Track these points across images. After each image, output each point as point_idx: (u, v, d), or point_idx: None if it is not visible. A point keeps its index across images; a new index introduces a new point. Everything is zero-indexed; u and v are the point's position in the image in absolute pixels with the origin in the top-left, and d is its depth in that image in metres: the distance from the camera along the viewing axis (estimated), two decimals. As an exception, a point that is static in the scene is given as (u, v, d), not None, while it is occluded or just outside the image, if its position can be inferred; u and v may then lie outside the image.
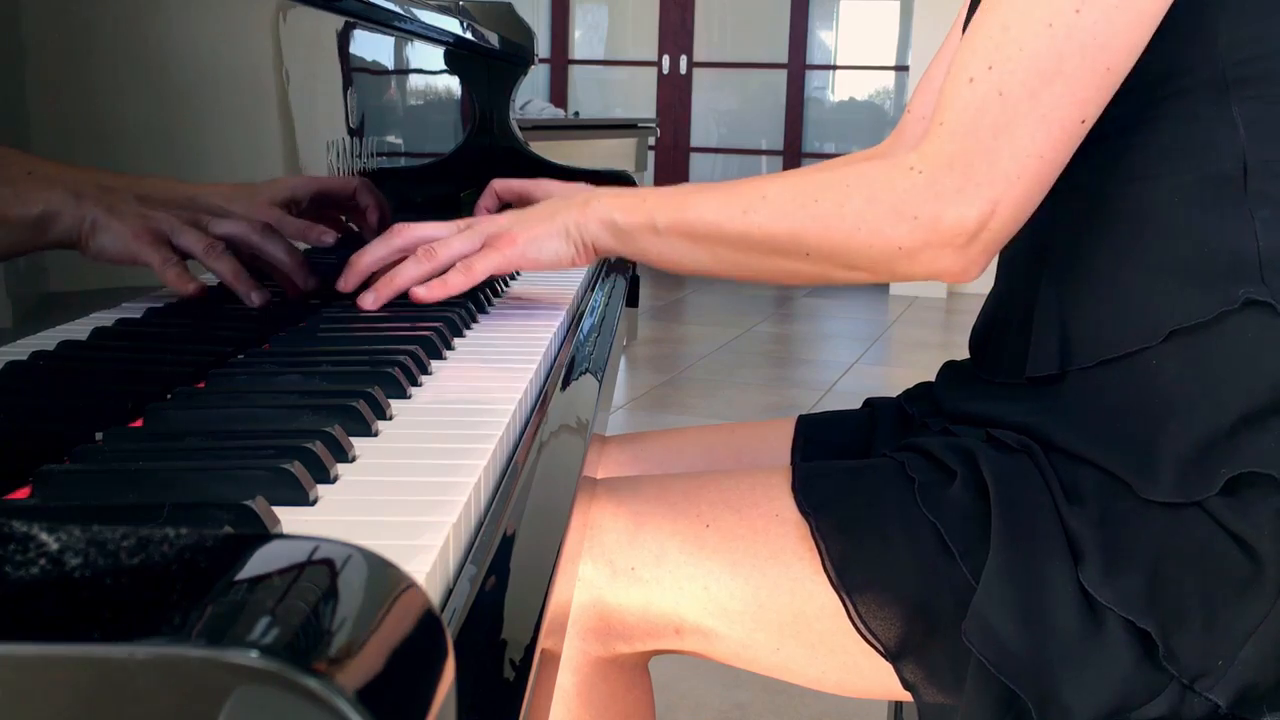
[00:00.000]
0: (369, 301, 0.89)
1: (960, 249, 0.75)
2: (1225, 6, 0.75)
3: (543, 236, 0.89)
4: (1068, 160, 0.74)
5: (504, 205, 1.20)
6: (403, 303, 0.89)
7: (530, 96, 5.25)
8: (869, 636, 0.77)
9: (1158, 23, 0.73)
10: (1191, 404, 0.75)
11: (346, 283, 0.91)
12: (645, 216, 0.86)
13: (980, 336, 0.93)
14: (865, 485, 0.81)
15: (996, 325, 0.89)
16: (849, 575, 0.77)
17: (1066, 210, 0.81)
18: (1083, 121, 0.73)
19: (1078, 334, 0.80)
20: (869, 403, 1.04)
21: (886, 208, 0.75)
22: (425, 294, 0.88)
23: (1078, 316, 0.81)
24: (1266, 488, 0.73)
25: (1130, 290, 0.78)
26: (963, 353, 0.97)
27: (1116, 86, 0.74)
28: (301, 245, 0.89)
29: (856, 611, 0.77)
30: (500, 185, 1.20)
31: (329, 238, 0.91)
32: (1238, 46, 0.75)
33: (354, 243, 1.00)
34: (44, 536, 0.30)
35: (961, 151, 0.73)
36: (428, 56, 1.32)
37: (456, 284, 0.89)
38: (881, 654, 0.77)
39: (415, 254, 0.90)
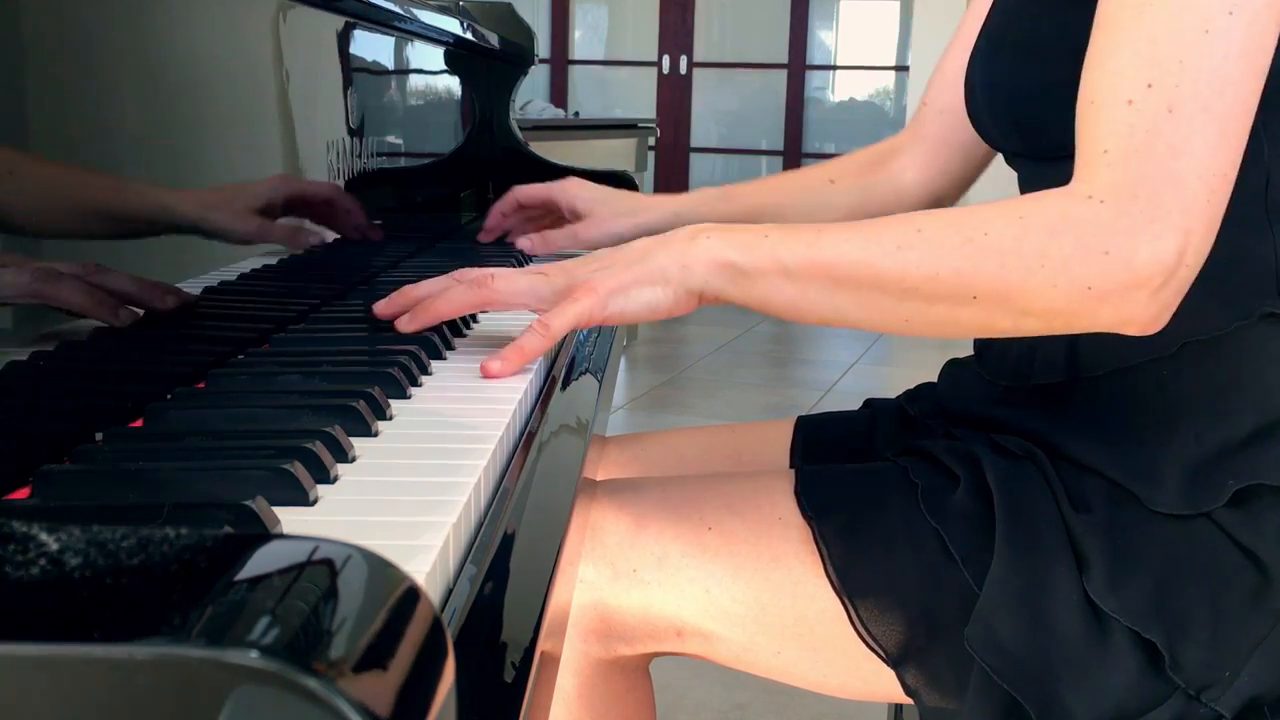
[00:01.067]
0: (408, 325, 0.80)
1: (1155, 292, 0.66)
2: None
3: (631, 285, 0.75)
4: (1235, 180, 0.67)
5: (529, 215, 1.18)
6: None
7: (530, 96, 5.25)
8: (870, 641, 0.77)
9: None
10: (1202, 415, 0.75)
11: (411, 324, 0.80)
12: (770, 256, 0.72)
13: (985, 337, 0.91)
14: (868, 490, 0.81)
15: None
16: (851, 580, 0.77)
17: None
18: (1247, 132, 0.67)
19: (1087, 343, 0.79)
20: (869, 403, 1.04)
21: (1073, 241, 0.65)
22: (500, 368, 0.74)
23: None
24: (1274, 500, 0.73)
25: None
26: (963, 353, 0.97)
27: (1261, 92, 0.67)
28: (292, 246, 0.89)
29: (858, 616, 0.77)
30: (523, 193, 1.16)
31: (316, 240, 0.88)
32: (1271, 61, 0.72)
33: (336, 249, 1.00)
34: (44, 536, 0.30)
35: (1143, 178, 0.65)
36: (428, 56, 1.32)
37: (534, 348, 0.75)
38: (883, 659, 0.77)
39: (471, 281, 0.79)
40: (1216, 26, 0.65)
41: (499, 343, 0.85)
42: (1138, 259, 0.65)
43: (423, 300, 0.80)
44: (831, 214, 1.12)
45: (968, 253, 0.68)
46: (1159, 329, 0.68)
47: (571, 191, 1.14)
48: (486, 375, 0.74)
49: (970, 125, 0.95)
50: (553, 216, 1.19)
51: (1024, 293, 0.67)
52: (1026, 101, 0.82)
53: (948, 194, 1.12)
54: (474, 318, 0.92)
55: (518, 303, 0.79)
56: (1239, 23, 0.65)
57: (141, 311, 0.65)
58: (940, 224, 0.70)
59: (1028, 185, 0.88)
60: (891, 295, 0.70)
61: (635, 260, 0.76)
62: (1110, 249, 0.65)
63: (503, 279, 0.79)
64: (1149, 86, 0.65)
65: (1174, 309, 0.68)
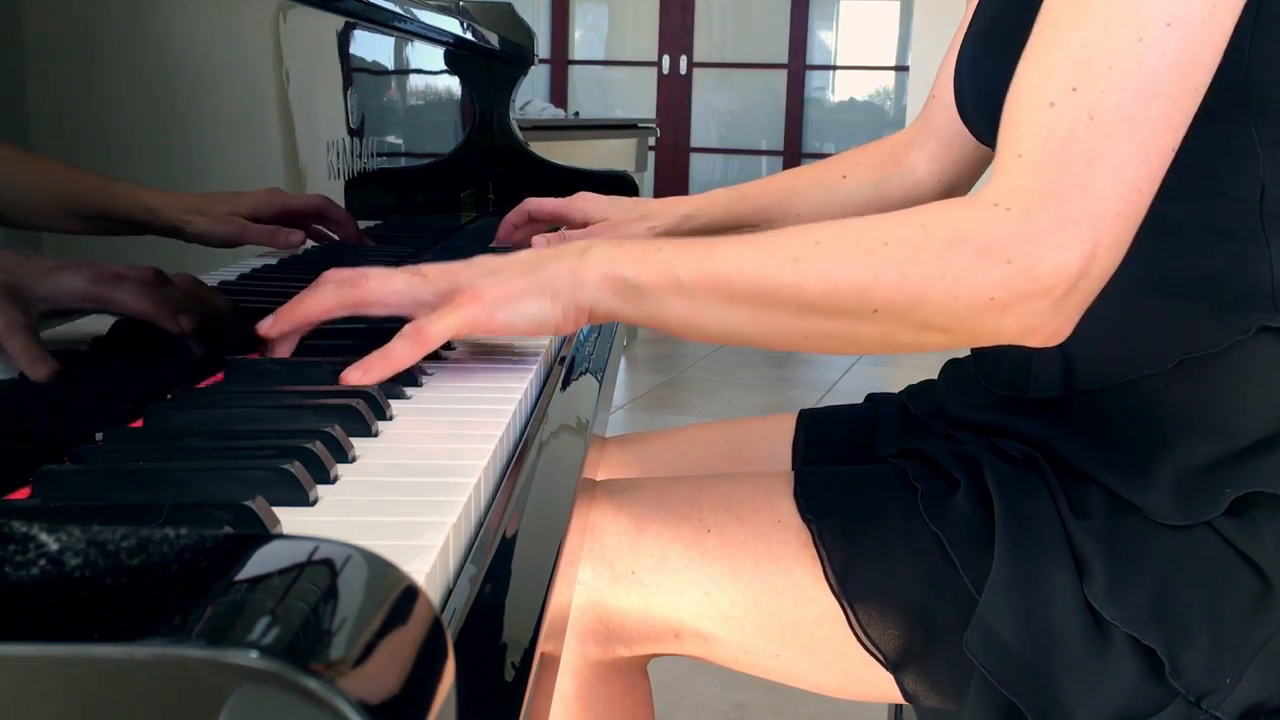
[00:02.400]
0: (267, 329, 0.73)
1: (1057, 302, 0.63)
2: (1257, 29, 0.72)
3: (519, 295, 0.70)
4: (1153, 197, 0.65)
5: (538, 226, 1.17)
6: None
7: (530, 96, 5.24)
8: (869, 645, 0.77)
9: (1228, 38, 0.65)
10: (1198, 428, 0.75)
11: (275, 327, 0.72)
12: (664, 270, 0.68)
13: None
14: (867, 493, 0.81)
15: None
16: (850, 583, 0.77)
17: None
18: (1173, 149, 0.64)
19: (1082, 357, 0.79)
20: (871, 399, 1.04)
21: (975, 250, 0.63)
22: (361, 377, 0.68)
23: (1083, 339, 0.79)
24: (1273, 508, 0.73)
25: (1140, 315, 0.76)
26: (960, 353, 0.97)
27: (1196, 109, 0.65)
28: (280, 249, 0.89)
29: (857, 619, 0.77)
30: (533, 205, 1.13)
31: (296, 237, 0.85)
32: (1265, 70, 0.72)
33: (336, 249, 1.00)
34: (44, 536, 0.30)
35: (1053, 185, 0.62)
36: (428, 56, 1.32)
37: (402, 356, 0.69)
38: (882, 663, 0.77)
39: (338, 282, 0.73)
40: (1151, 36, 0.62)
41: (500, 343, 0.85)
42: (1041, 268, 0.62)
43: (289, 303, 0.73)
44: (845, 209, 1.11)
45: (867, 264, 0.65)
46: (1062, 339, 0.66)
47: (582, 205, 1.13)
48: (344, 382, 0.67)
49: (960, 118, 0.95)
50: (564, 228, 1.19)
51: (925, 304, 0.64)
52: None
53: (961, 184, 1.12)
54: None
55: (392, 304, 0.72)
56: (1175, 35, 0.62)
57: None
58: (839, 234, 0.67)
59: None
60: (789, 310, 0.67)
61: (525, 270, 0.71)
62: (1013, 258, 0.63)
63: (377, 278, 0.72)
64: (1073, 90, 0.63)
65: (1076, 319, 0.66)
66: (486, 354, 0.82)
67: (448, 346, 0.81)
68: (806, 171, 1.17)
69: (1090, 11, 0.64)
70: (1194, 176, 0.74)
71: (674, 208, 1.12)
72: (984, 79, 0.84)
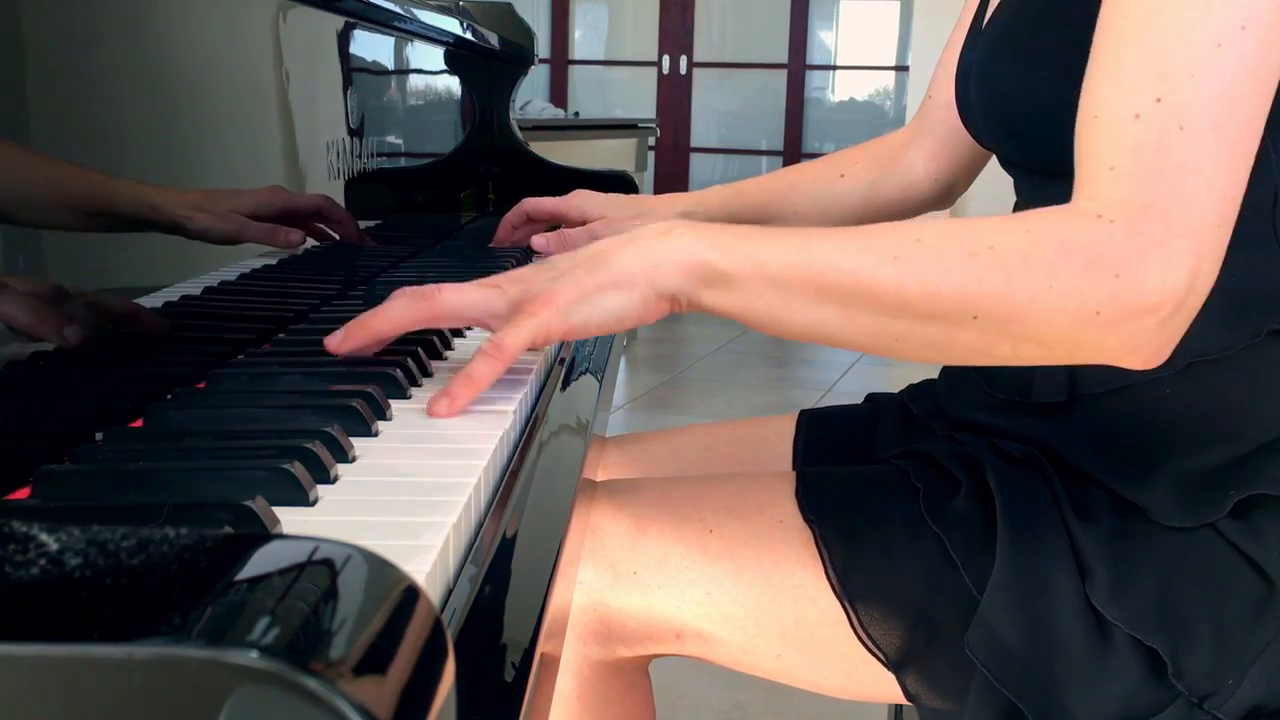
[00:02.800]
0: (337, 344, 0.71)
1: (1164, 321, 0.61)
2: None
3: (594, 292, 0.66)
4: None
5: (537, 229, 1.17)
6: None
7: (530, 96, 5.25)
8: (871, 645, 0.77)
9: None
10: (1203, 430, 0.75)
11: (345, 344, 0.71)
12: (752, 259, 0.65)
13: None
14: (869, 493, 0.81)
15: None
16: (851, 583, 0.77)
17: None
18: (1255, 152, 0.63)
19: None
20: (871, 398, 1.04)
21: (1083, 261, 0.61)
22: (449, 407, 0.65)
23: None
24: (1276, 510, 0.73)
25: None
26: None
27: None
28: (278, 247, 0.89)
29: (859, 620, 0.77)
30: (531, 205, 1.13)
31: (295, 236, 0.85)
32: None
33: (337, 249, 1.00)
34: (44, 536, 0.30)
35: (1153, 197, 0.61)
36: (428, 56, 1.32)
37: (484, 374, 0.66)
38: (883, 663, 0.77)
39: (414, 293, 0.71)
40: (1229, 41, 0.61)
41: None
42: (1149, 284, 0.60)
43: (361, 318, 0.71)
44: (843, 208, 1.12)
45: (971, 267, 0.62)
46: (1162, 361, 0.64)
47: (579, 203, 1.13)
48: (432, 414, 0.65)
49: (962, 122, 0.95)
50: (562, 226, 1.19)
51: (1029, 315, 0.62)
52: (1029, 117, 0.80)
53: (958, 185, 1.12)
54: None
55: (467, 317, 0.71)
56: (1251, 38, 0.62)
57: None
58: (942, 234, 0.64)
59: (1024, 195, 0.88)
60: (884, 310, 0.64)
61: (598, 264, 0.67)
62: (1121, 272, 0.60)
63: (450, 292, 0.70)
64: (1157, 101, 0.62)
65: (1178, 339, 0.64)
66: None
67: (448, 347, 0.81)
68: (804, 169, 1.17)
69: (1162, 21, 0.62)
70: None
71: (671, 204, 1.12)
72: (998, 87, 0.83)
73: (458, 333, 0.86)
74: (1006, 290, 0.62)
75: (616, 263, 0.67)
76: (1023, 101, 0.80)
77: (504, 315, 0.69)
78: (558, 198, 1.13)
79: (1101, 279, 0.60)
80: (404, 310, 0.70)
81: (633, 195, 1.17)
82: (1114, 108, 0.63)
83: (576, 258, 0.69)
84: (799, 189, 1.13)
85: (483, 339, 0.81)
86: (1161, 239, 0.60)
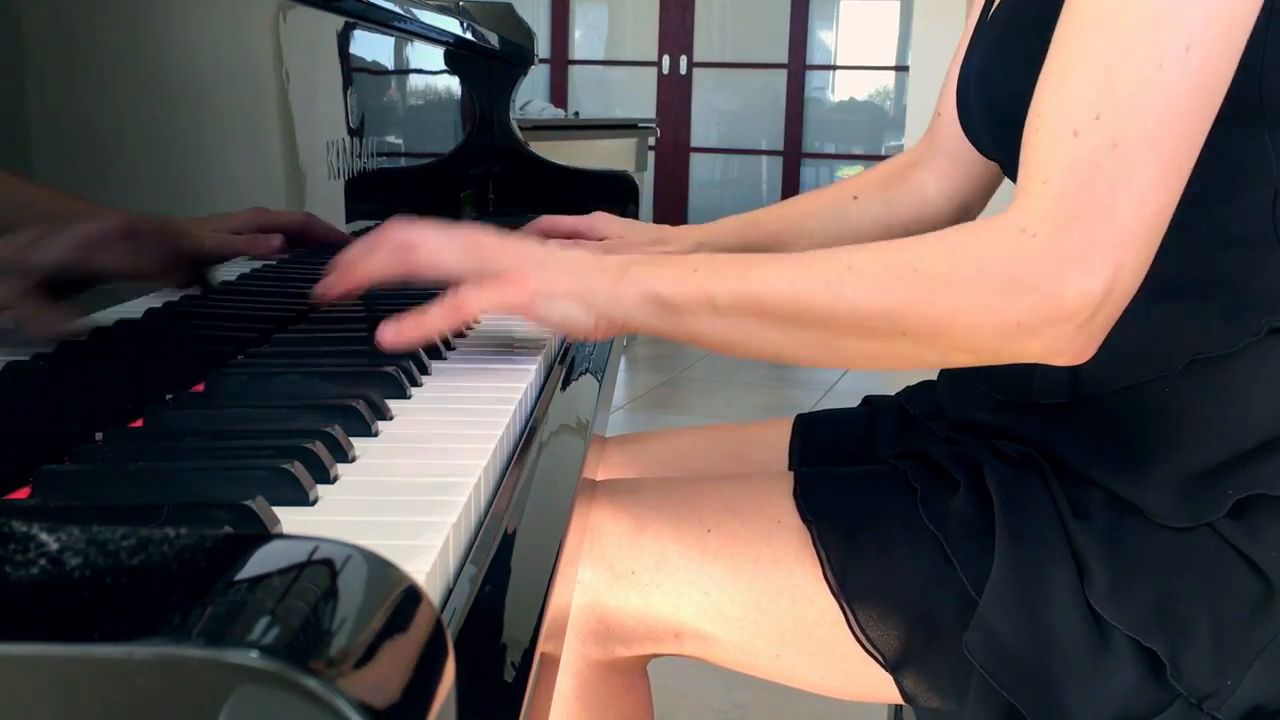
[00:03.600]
0: (325, 288, 0.78)
1: (1083, 325, 0.65)
2: (1269, 38, 0.71)
3: (559, 295, 0.72)
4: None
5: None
6: (404, 302, 0.89)
7: (530, 96, 5.24)
8: (869, 646, 0.77)
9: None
10: (1203, 430, 0.75)
11: (332, 291, 0.78)
12: (699, 290, 0.70)
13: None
14: (867, 493, 0.81)
15: None
16: (850, 584, 0.77)
17: None
18: (1191, 167, 0.65)
19: (1090, 363, 0.79)
20: (868, 401, 1.04)
21: (1001, 277, 0.64)
22: (393, 338, 0.73)
23: None
24: (1275, 510, 0.73)
25: (1152, 320, 0.76)
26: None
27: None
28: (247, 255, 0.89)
29: (857, 620, 0.77)
30: (548, 223, 1.11)
31: (275, 242, 0.84)
32: (1279, 78, 0.72)
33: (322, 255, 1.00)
34: (44, 536, 0.30)
35: (1078, 212, 0.63)
36: (428, 56, 1.32)
37: (435, 325, 0.73)
38: (881, 664, 0.77)
39: (394, 245, 0.76)
40: (1171, 62, 0.63)
41: (500, 343, 0.85)
42: (1067, 294, 0.64)
43: (347, 262, 0.77)
44: (857, 230, 1.11)
45: (897, 289, 0.66)
46: (1088, 358, 0.68)
47: (598, 225, 1.12)
48: (380, 344, 0.72)
49: (964, 133, 0.94)
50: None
51: (953, 329, 0.66)
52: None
53: (973, 202, 1.11)
54: (474, 318, 0.92)
55: (441, 275, 0.75)
56: (1194, 59, 0.63)
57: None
58: (870, 259, 0.68)
59: None
60: (822, 331, 0.69)
61: (570, 272, 0.73)
62: (1040, 285, 0.64)
63: (429, 251, 0.75)
64: (1096, 118, 0.64)
65: (1101, 338, 0.67)
66: (486, 354, 0.82)
67: (448, 347, 0.81)
68: (818, 195, 1.16)
69: (1111, 39, 0.64)
70: (1208, 182, 0.74)
71: (688, 235, 1.11)
72: (992, 91, 0.83)
73: (458, 333, 0.86)
74: (929, 309, 0.66)
75: (586, 280, 0.73)
76: (1022, 104, 0.80)
77: (474, 279, 0.74)
78: (577, 217, 1.11)
79: (1020, 294, 0.64)
80: (385, 262, 0.76)
81: (651, 225, 1.16)
82: (1054, 122, 0.66)
83: (553, 255, 0.75)
84: (813, 214, 1.13)
85: (477, 347, 0.81)
86: (1082, 251, 0.63)
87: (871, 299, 0.67)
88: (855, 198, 1.13)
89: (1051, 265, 0.64)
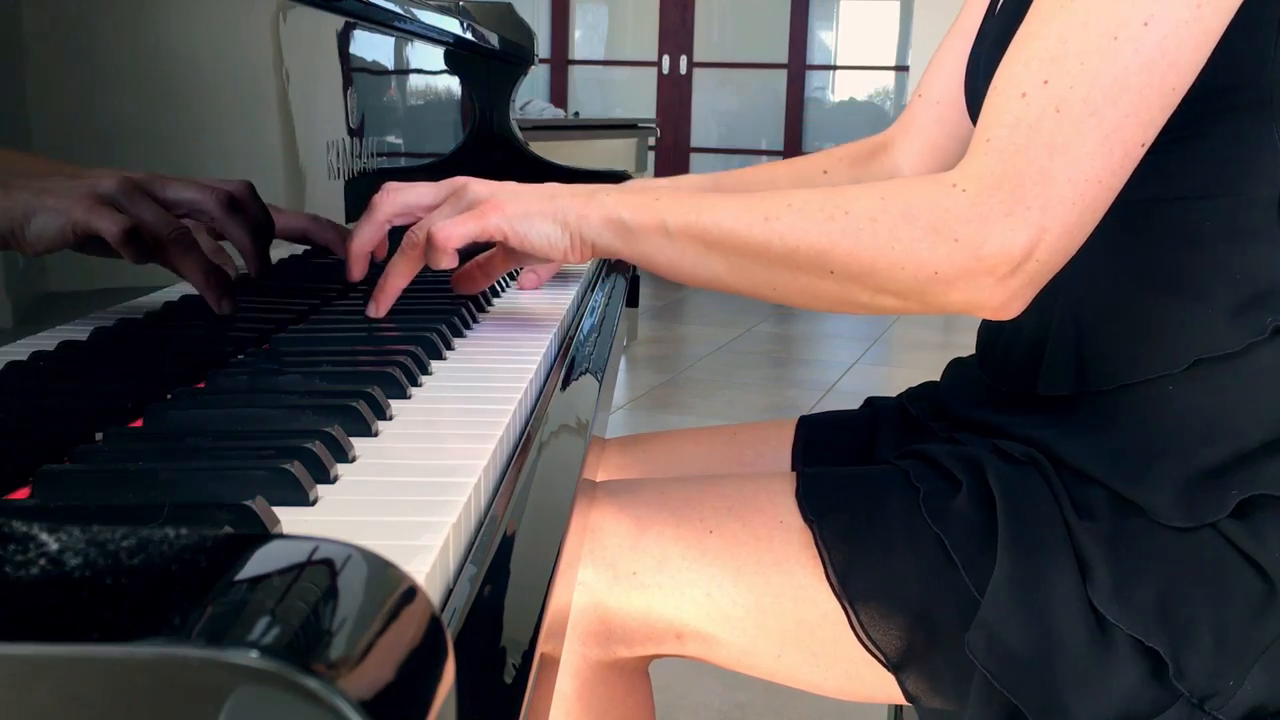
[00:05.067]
0: (374, 311, 0.84)
1: (1002, 280, 0.67)
2: (1278, 27, 0.72)
3: (535, 215, 0.79)
4: (1121, 186, 0.68)
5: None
6: (404, 303, 0.89)
7: (530, 96, 5.25)
8: (871, 646, 0.77)
9: (1216, 41, 0.67)
10: (1205, 430, 0.75)
11: (353, 273, 0.84)
12: (655, 216, 0.76)
13: (988, 338, 0.91)
14: (869, 493, 0.81)
15: (1005, 330, 0.87)
16: (852, 584, 0.77)
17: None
18: (1143, 145, 0.67)
19: (1095, 357, 0.79)
20: (870, 402, 1.04)
21: (924, 225, 0.67)
22: (380, 305, 0.82)
23: (1096, 339, 0.79)
24: (1277, 510, 0.72)
25: (1155, 316, 0.77)
26: (963, 351, 0.97)
27: (1174, 107, 0.68)
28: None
29: (859, 621, 0.77)
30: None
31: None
32: None
33: (321, 255, 1.00)
34: (44, 536, 0.30)
35: (1012, 171, 0.66)
36: (428, 56, 1.32)
37: (435, 264, 0.82)
38: (883, 664, 0.77)
39: (401, 247, 0.82)
40: (1126, 34, 0.64)
41: (499, 343, 0.85)
42: (985, 248, 0.66)
43: (380, 283, 0.84)
44: None
45: (827, 229, 0.70)
46: (1012, 315, 0.70)
47: None
48: (371, 310, 0.82)
49: (968, 116, 0.94)
50: None
51: (875, 271, 0.69)
52: None
53: None
54: (474, 317, 0.92)
55: (421, 208, 0.83)
56: (1152, 35, 0.64)
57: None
58: (808, 199, 0.72)
59: None
60: (759, 263, 0.73)
61: (543, 197, 0.80)
62: (960, 236, 0.66)
63: (407, 188, 0.83)
64: (1045, 83, 0.66)
65: (1028, 299, 0.69)
66: (486, 354, 0.82)
67: (448, 347, 0.81)
68: (786, 165, 1.16)
69: (1073, 6, 0.66)
70: (1213, 177, 0.75)
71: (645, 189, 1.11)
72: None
73: (458, 333, 0.86)
74: (854, 249, 0.69)
75: (558, 202, 0.80)
76: None
77: (457, 210, 0.81)
78: None
79: (939, 243, 0.67)
80: (406, 266, 0.82)
81: (605, 185, 1.16)
82: (1008, 84, 0.68)
83: (528, 186, 0.83)
84: (779, 184, 1.13)
85: (477, 347, 0.81)
86: (1008, 210, 0.66)
87: (801, 235, 0.71)
88: (825, 171, 1.12)
89: (974, 219, 0.66)
